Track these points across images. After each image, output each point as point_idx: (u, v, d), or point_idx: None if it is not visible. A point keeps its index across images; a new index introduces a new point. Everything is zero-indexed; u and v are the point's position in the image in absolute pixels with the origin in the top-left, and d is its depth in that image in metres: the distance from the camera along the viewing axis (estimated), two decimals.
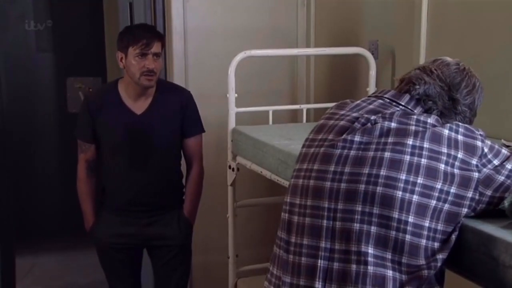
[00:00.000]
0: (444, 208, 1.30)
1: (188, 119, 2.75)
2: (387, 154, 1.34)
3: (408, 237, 1.28)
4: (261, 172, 2.43)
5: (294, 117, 3.52)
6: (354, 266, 1.32)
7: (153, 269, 2.89)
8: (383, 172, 1.33)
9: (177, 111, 2.72)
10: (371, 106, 1.49)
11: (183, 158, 2.86)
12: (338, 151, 1.41)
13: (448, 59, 1.55)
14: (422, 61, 2.50)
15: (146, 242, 2.78)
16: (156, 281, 2.90)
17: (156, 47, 2.58)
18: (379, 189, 1.32)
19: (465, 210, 1.32)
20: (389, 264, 1.30)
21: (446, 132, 1.35)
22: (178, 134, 2.75)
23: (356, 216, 1.33)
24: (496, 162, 1.36)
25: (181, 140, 2.78)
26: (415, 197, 1.29)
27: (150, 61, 2.55)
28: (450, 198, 1.30)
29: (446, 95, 1.49)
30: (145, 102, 2.67)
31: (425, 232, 1.29)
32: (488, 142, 1.39)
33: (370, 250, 1.31)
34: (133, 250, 2.80)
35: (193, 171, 2.82)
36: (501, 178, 1.34)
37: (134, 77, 2.59)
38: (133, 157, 2.69)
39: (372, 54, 2.87)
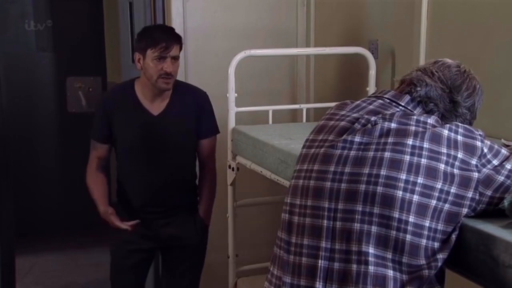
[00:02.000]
0: (445, 208, 1.30)
1: (203, 120, 2.75)
2: (387, 154, 1.35)
3: (408, 237, 1.29)
4: (261, 171, 2.43)
5: (294, 116, 3.52)
6: (354, 266, 1.32)
7: (166, 270, 2.89)
8: (383, 172, 1.33)
9: (193, 112, 2.71)
10: (371, 107, 1.49)
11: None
12: (338, 152, 1.42)
13: (449, 61, 1.55)
14: (422, 61, 2.50)
15: (162, 243, 2.78)
16: (169, 281, 2.89)
17: (174, 50, 2.57)
18: (379, 189, 1.32)
19: (465, 210, 1.32)
20: (389, 264, 1.30)
21: (445, 132, 1.36)
22: (193, 135, 2.75)
23: (356, 216, 1.33)
24: (495, 162, 1.36)
25: (196, 141, 2.77)
26: (415, 197, 1.30)
27: (168, 64, 2.55)
28: (450, 198, 1.30)
29: (447, 97, 1.49)
30: (162, 103, 2.67)
31: (426, 232, 1.29)
32: (488, 142, 1.39)
33: (371, 250, 1.31)
34: (147, 253, 2.79)
35: (207, 172, 2.82)
36: (501, 178, 1.34)
37: (152, 79, 2.58)
38: (149, 158, 2.69)
39: (372, 53, 2.87)
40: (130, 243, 2.74)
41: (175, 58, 2.59)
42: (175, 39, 2.61)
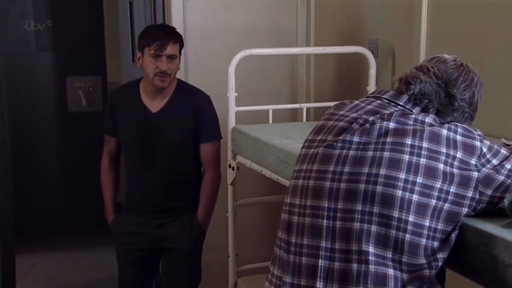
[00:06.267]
0: (444, 207, 1.30)
1: (202, 124, 2.72)
2: (386, 154, 1.35)
3: (408, 236, 1.29)
4: (261, 171, 2.43)
5: (294, 116, 3.52)
6: (355, 265, 1.32)
7: (164, 272, 2.88)
8: (382, 171, 1.33)
9: (190, 113, 2.70)
10: (369, 107, 1.49)
11: None
12: (337, 151, 1.42)
13: (446, 56, 1.55)
14: (422, 60, 2.50)
15: (156, 244, 2.76)
16: (167, 284, 2.88)
17: (170, 49, 2.58)
18: (379, 188, 1.32)
19: (465, 210, 1.32)
20: (390, 263, 1.30)
21: (444, 132, 1.36)
22: (191, 137, 2.72)
23: (356, 216, 1.33)
24: (495, 161, 1.36)
25: (196, 144, 2.74)
26: (415, 197, 1.30)
27: (163, 63, 2.57)
28: (450, 197, 1.30)
29: (442, 91, 1.49)
30: (161, 101, 2.70)
31: (425, 232, 1.29)
32: (487, 142, 1.39)
33: (371, 249, 1.31)
34: (146, 252, 2.78)
35: (207, 177, 2.77)
36: (501, 177, 1.34)
37: (149, 77, 2.62)
38: (145, 155, 2.71)
39: (372, 53, 2.87)
40: (126, 243, 2.79)
41: (172, 57, 2.60)
42: (173, 37, 2.62)
